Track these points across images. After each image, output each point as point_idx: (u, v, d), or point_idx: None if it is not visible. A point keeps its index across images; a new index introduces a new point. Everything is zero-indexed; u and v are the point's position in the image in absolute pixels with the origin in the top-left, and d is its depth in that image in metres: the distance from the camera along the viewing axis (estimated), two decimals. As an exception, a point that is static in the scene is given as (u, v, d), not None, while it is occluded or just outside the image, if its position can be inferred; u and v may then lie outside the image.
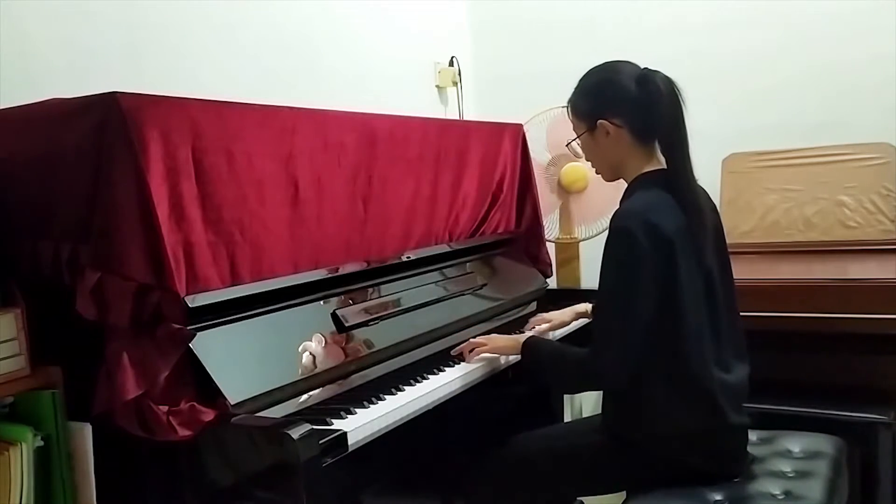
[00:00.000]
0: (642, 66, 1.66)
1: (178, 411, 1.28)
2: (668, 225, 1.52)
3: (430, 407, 1.61)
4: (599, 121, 1.65)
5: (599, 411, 1.75)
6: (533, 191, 2.53)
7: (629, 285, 1.53)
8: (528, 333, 1.84)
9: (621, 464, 1.64)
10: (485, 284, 2.17)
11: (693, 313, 1.55)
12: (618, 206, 1.63)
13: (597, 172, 1.78)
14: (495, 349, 1.81)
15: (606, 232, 1.58)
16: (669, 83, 1.61)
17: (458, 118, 3.20)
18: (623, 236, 1.52)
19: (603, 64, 1.70)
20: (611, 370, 1.57)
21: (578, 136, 1.73)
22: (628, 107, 1.63)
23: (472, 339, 1.84)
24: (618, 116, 1.64)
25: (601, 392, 1.76)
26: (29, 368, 1.34)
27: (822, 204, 2.58)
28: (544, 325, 2.04)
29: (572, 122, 1.74)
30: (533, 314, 2.28)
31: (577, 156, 1.82)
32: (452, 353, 1.83)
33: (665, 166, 1.63)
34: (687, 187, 1.59)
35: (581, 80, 1.72)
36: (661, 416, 1.58)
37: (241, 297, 1.46)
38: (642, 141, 1.65)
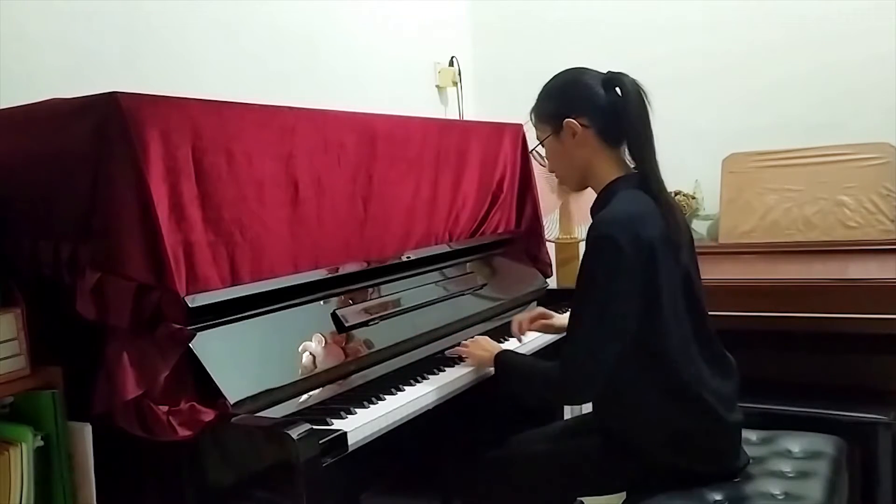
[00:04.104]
0: (605, 70, 1.64)
1: (178, 411, 1.28)
2: (651, 230, 1.50)
3: (430, 407, 1.61)
4: (566, 120, 1.61)
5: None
6: (533, 191, 2.53)
7: (609, 298, 1.49)
8: (504, 347, 1.82)
9: (620, 463, 1.64)
10: (485, 284, 2.17)
11: (674, 315, 1.54)
12: (593, 213, 1.61)
13: (561, 183, 1.73)
14: (472, 360, 1.79)
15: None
16: (636, 85, 1.59)
17: (458, 118, 3.20)
18: (607, 245, 1.48)
19: (566, 69, 1.69)
20: (576, 386, 1.55)
21: (542, 141, 1.69)
22: (595, 107, 1.61)
23: (463, 342, 1.84)
24: (584, 116, 1.61)
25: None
26: (29, 368, 1.34)
27: (822, 204, 2.58)
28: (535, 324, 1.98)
29: (536, 127, 1.71)
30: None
31: (542, 164, 1.77)
32: (448, 353, 1.83)
33: (631, 171, 1.62)
34: (660, 188, 1.58)
35: (544, 86, 1.69)
36: (651, 418, 1.58)
37: (241, 297, 1.46)
38: (609, 144, 1.62)
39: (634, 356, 1.54)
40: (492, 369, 1.74)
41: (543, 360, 1.71)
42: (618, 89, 1.59)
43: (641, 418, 1.59)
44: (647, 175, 1.58)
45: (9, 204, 1.43)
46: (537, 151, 1.73)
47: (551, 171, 1.75)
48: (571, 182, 1.72)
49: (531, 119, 1.73)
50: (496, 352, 1.74)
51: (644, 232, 1.49)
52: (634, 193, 1.57)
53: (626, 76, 1.60)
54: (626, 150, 1.63)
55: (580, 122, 1.61)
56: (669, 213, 1.56)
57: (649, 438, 1.59)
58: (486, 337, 1.86)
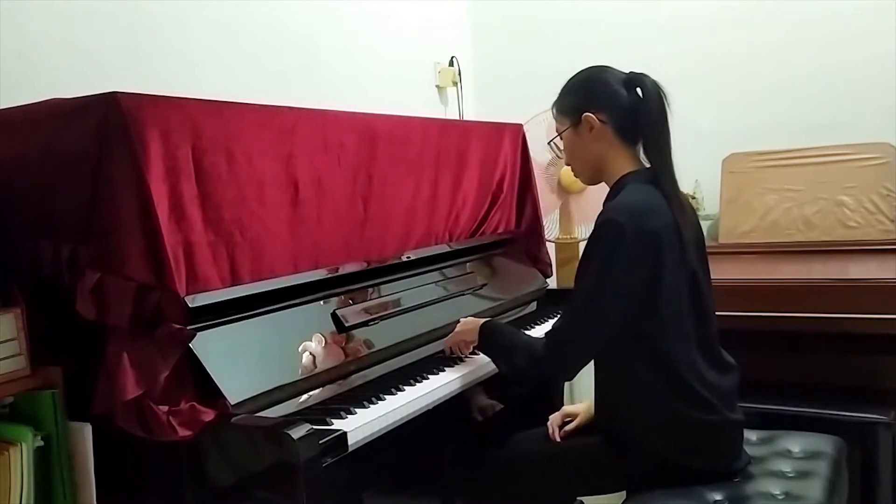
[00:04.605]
0: (627, 70, 1.66)
1: (178, 411, 1.28)
2: (658, 222, 1.53)
3: (431, 407, 1.61)
4: (584, 114, 1.64)
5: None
6: (533, 191, 2.53)
7: (604, 283, 1.52)
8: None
9: (620, 463, 1.64)
10: (485, 284, 2.17)
11: (676, 312, 1.55)
12: (605, 204, 1.62)
13: (576, 175, 1.76)
14: (460, 336, 1.80)
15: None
16: (656, 85, 1.61)
17: (458, 118, 3.20)
18: (611, 229, 1.51)
19: (588, 67, 1.71)
20: (557, 363, 1.58)
21: (560, 133, 1.72)
22: (615, 104, 1.63)
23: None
24: (603, 112, 1.64)
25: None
26: (29, 368, 1.34)
27: (822, 204, 2.58)
28: (571, 425, 1.84)
29: (556, 120, 1.74)
30: (533, 315, 2.29)
31: (558, 156, 1.81)
32: (445, 353, 1.83)
33: (643, 167, 1.64)
34: (672, 186, 1.60)
35: (566, 82, 1.73)
36: (652, 415, 1.58)
37: (241, 297, 1.46)
38: (625, 141, 1.64)
39: (635, 351, 1.55)
40: (493, 366, 1.75)
41: None
42: (639, 90, 1.62)
43: (643, 416, 1.59)
44: (661, 174, 1.60)
45: (9, 204, 1.43)
46: (555, 143, 1.76)
47: (567, 164, 1.79)
48: (585, 175, 1.74)
49: (552, 112, 1.76)
50: (482, 322, 1.76)
51: (650, 223, 1.51)
52: (645, 187, 1.59)
53: (648, 77, 1.62)
54: (642, 148, 1.65)
55: (599, 117, 1.64)
56: (680, 211, 1.57)
57: (650, 435, 1.59)
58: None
